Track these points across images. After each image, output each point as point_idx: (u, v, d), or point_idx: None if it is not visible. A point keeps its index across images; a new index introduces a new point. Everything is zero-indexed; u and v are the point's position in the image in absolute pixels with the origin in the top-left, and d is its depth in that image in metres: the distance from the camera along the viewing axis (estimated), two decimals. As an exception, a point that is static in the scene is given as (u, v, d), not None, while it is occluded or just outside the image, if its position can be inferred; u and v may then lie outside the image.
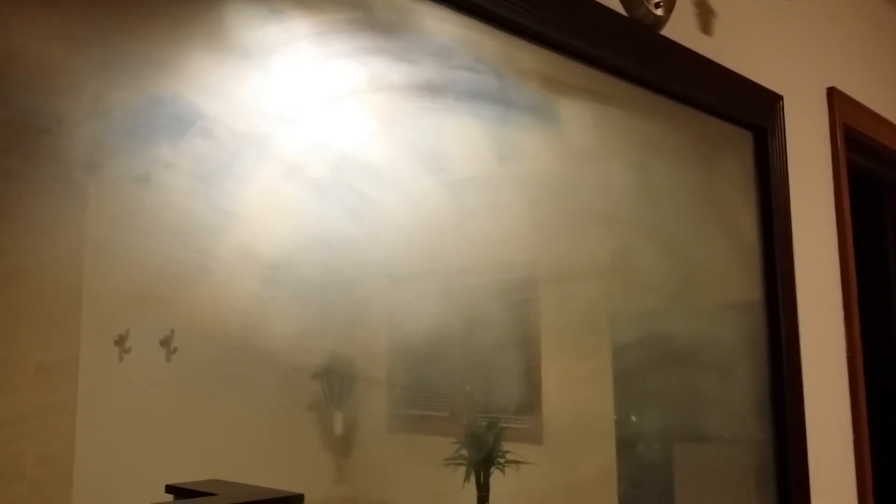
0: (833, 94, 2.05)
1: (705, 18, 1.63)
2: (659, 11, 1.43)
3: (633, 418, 1.30)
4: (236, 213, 0.81)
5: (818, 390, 1.85)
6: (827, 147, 2.03)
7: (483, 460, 1.05)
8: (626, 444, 1.28)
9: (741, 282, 1.63)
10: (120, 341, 0.70)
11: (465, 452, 1.02)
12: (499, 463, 1.06)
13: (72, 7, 0.71)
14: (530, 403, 1.13)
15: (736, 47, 1.71)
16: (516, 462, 1.09)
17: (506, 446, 1.08)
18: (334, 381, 0.88)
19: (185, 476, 0.75)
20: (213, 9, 0.82)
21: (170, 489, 0.73)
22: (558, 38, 1.22)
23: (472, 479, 1.03)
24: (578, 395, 1.21)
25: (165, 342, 0.74)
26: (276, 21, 0.88)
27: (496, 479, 1.06)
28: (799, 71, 1.95)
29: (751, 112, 1.68)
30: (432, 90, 1.04)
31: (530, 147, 1.17)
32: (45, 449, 0.66)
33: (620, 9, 1.39)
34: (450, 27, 1.07)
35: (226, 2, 0.83)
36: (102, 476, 0.70)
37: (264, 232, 0.84)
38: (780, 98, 1.78)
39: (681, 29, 1.54)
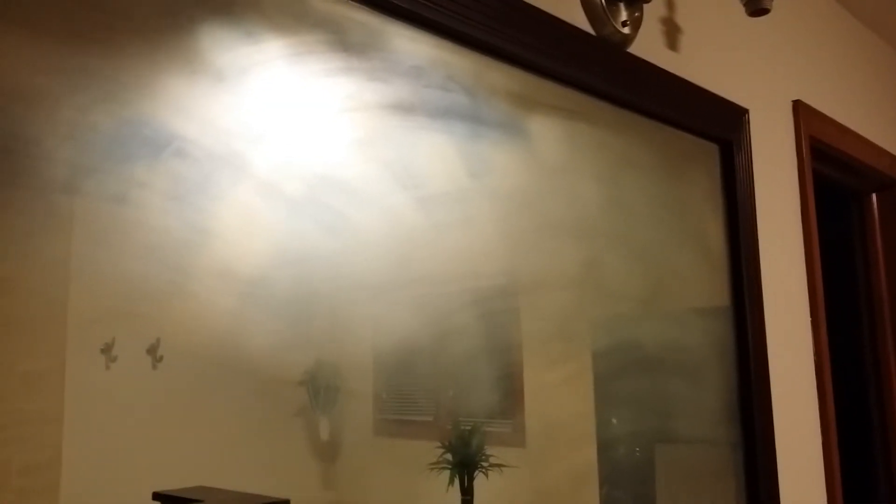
0: (798, 107, 2.10)
1: (672, 35, 1.67)
2: (626, 29, 1.47)
3: (614, 421, 1.32)
4: (213, 231, 0.83)
5: (787, 393, 1.87)
6: (793, 158, 2.07)
7: (467, 464, 1.06)
8: (606, 447, 1.30)
9: (711, 288, 1.66)
10: (106, 350, 0.71)
11: (449, 456, 1.03)
12: (482, 466, 1.08)
13: (48, 32, 0.73)
14: (513, 408, 1.14)
15: (702, 63, 1.76)
16: (499, 465, 1.10)
17: (489, 450, 1.09)
18: (319, 389, 0.89)
19: (172, 483, 0.76)
20: (188, 32, 0.84)
21: (157, 496, 0.74)
22: (528, 57, 1.25)
23: (456, 482, 1.04)
24: (560, 400, 1.23)
25: (152, 350, 0.75)
26: (249, 43, 0.90)
27: (480, 482, 1.07)
28: (764, 84, 2.00)
29: (717, 126, 1.73)
30: (405, 108, 1.06)
31: (502, 163, 1.20)
32: (31, 457, 0.67)
33: (589, 27, 1.42)
34: (422, 47, 1.10)
35: (200, 25, 0.85)
36: (89, 484, 0.70)
37: (241, 249, 0.85)
38: (746, 111, 1.83)
39: (648, 46, 1.58)
